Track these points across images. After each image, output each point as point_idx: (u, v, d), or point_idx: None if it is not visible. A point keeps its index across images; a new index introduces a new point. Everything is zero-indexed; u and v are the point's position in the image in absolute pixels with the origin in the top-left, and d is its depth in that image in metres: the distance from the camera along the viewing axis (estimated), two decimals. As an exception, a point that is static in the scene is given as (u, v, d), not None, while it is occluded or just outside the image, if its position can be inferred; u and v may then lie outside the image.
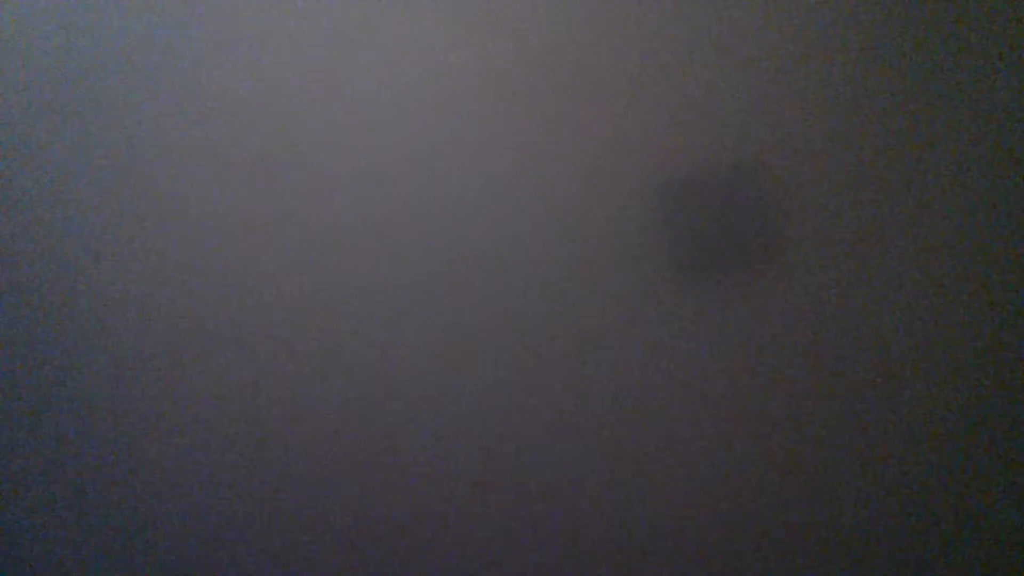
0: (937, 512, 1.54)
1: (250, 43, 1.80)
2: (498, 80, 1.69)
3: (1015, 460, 1.51)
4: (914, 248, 1.55)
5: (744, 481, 1.61)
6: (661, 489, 1.65)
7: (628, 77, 1.64)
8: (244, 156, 1.80)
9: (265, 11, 1.79)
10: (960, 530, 1.54)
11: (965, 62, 1.52)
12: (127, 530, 1.86)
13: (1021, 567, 1.51)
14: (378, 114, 1.74)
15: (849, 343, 1.57)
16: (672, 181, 1.61)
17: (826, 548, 1.59)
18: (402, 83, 1.73)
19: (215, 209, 1.82)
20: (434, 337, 1.73)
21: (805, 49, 1.58)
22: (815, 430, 1.59)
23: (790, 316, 1.59)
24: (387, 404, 1.75)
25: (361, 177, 1.75)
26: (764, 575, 1.61)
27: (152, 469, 1.85)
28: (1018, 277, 1.51)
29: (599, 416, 1.67)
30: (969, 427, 1.53)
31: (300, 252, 1.78)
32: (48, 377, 1.90)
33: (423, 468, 1.74)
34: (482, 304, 1.71)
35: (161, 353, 1.84)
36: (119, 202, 1.86)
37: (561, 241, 1.67)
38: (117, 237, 1.86)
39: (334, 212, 1.76)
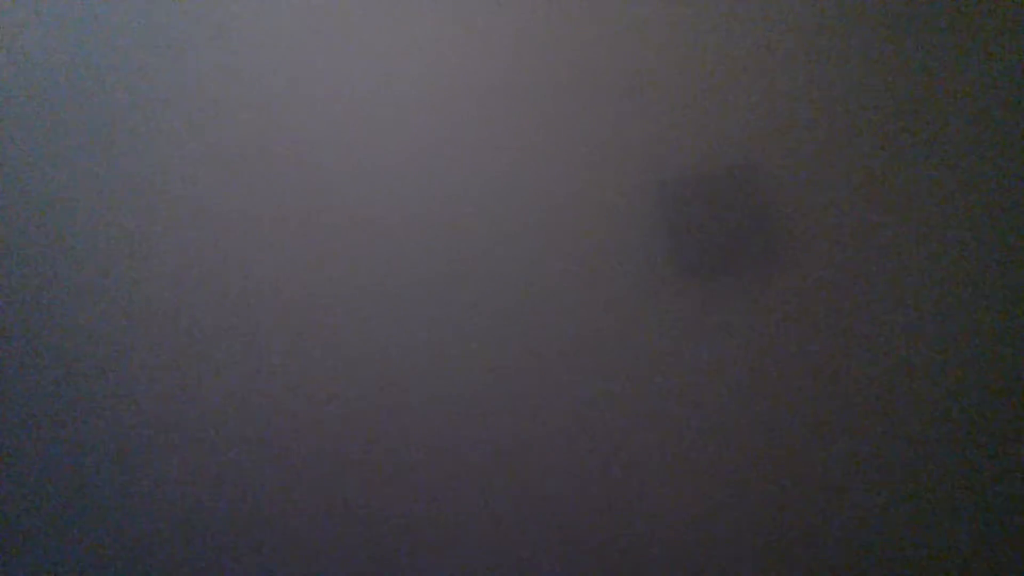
0: (937, 512, 1.54)
1: (251, 43, 1.80)
2: (498, 80, 1.69)
3: (1015, 460, 1.51)
4: (914, 248, 1.55)
5: (745, 481, 1.61)
6: (662, 489, 1.65)
7: (628, 77, 1.64)
8: (244, 156, 1.80)
9: (265, 11, 1.79)
10: (960, 530, 1.54)
11: (965, 62, 1.52)
12: (127, 530, 1.86)
13: (1021, 567, 1.51)
14: (378, 114, 1.74)
15: (849, 343, 1.57)
16: (672, 181, 1.61)
17: (826, 548, 1.59)
18: (402, 83, 1.73)
19: (215, 208, 1.82)
20: (434, 337, 1.73)
21: (805, 49, 1.58)
22: (815, 430, 1.59)
23: (790, 316, 1.59)
24: (387, 403, 1.75)
25: (361, 177, 1.76)
26: (765, 575, 1.61)
27: (152, 469, 1.85)
28: (1018, 277, 1.51)
29: (599, 416, 1.67)
30: (970, 427, 1.53)
31: (301, 252, 1.78)
32: (48, 377, 1.90)
33: (423, 468, 1.74)
34: (482, 304, 1.71)
35: (161, 352, 1.84)
36: (119, 202, 1.86)
37: (561, 241, 1.67)
38: (117, 237, 1.86)
39: (335, 212, 1.77)
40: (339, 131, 1.76)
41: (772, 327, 1.59)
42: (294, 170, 1.78)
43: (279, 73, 1.78)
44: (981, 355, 1.53)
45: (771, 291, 1.59)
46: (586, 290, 1.66)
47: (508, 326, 1.70)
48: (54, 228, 1.90)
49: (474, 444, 1.72)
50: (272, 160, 1.79)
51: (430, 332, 1.73)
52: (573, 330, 1.67)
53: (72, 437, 1.89)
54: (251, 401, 1.80)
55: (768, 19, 1.59)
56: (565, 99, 1.67)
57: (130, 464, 1.87)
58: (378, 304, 1.75)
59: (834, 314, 1.57)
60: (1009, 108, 1.50)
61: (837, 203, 1.57)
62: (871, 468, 1.57)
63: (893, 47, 1.55)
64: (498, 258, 1.70)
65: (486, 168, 1.70)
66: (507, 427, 1.70)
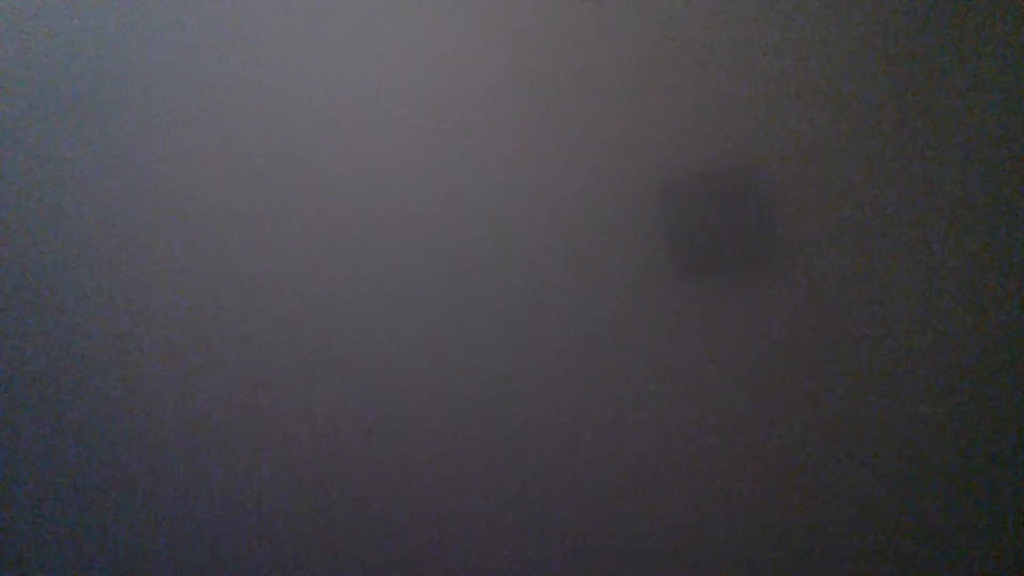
0: (938, 512, 1.54)
1: (251, 43, 1.80)
2: (498, 80, 1.69)
3: (1015, 460, 1.51)
4: (915, 248, 1.55)
5: (745, 481, 1.61)
6: (661, 489, 1.65)
7: (629, 77, 1.64)
8: (245, 156, 1.80)
9: (266, 11, 1.79)
10: (960, 530, 1.54)
11: (966, 62, 1.52)
12: (127, 530, 1.86)
13: (1022, 567, 1.51)
14: (378, 114, 1.74)
15: (850, 343, 1.57)
16: (672, 181, 1.61)
17: (826, 548, 1.59)
18: (402, 83, 1.73)
19: (215, 208, 1.82)
20: (433, 336, 1.73)
21: (805, 49, 1.58)
22: (816, 430, 1.59)
23: (790, 316, 1.59)
24: (387, 404, 1.75)
25: (362, 177, 1.76)
26: (765, 575, 1.61)
27: (152, 469, 1.85)
28: (1018, 277, 1.51)
29: (600, 416, 1.67)
30: (970, 427, 1.53)
31: (301, 251, 1.78)
32: (48, 376, 1.90)
33: (423, 468, 1.74)
34: (481, 303, 1.71)
35: (161, 352, 1.84)
36: (118, 202, 1.86)
37: (561, 241, 1.67)
38: (117, 237, 1.86)
39: (335, 212, 1.76)
40: (339, 131, 1.76)
41: (772, 327, 1.59)
42: (294, 170, 1.78)
43: (279, 73, 1.78)
44: (982, 355, 1.53)
45: (771, 291, 1.59)
46: (586, 290, 1.66)
47: (507, 326, 1.70)
48: (54, 228, 1.90)
49: (473, 444, 1.72)
50: (272, 160, 1.79)
51: (430, 332, 1.73)
52: (573, 330, 1.67)
53: (72, 437, 1.89)
54: (251, 401, 1.80)
55: (768, 19, 1.59)
56: (565, 99, 1.67)
57: (130, 464, 1.87)
58: (378, 304, 1.75)
59: (834, 314, 1.57)
60: (1010, 108, 1.50)
61: (837, 203, 1.57)
62: (872, 468, 1.57)
63: (894, 47, 1.55)
64: (497, 258, 1.70)
65: (486, 168, 1.70)
66: (506, 427, 1.70)
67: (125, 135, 1.86)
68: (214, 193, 1.82)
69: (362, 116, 1.75)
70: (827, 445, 1.58)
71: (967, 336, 1.53)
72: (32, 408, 1.91)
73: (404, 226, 1.74)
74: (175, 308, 1.84)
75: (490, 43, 1.69)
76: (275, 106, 1.79)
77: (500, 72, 1.69)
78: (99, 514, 1.88)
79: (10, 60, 1.91)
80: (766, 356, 1.60)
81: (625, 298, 1.65)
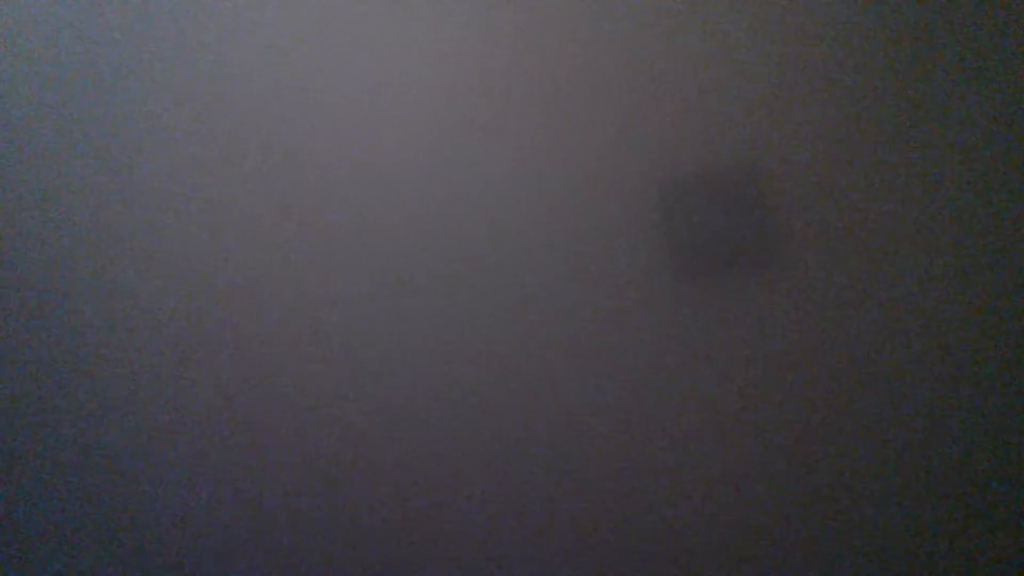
0: (938, 512, 1.54)
1: (251, 43, 1.80)
2: (498, 80, 1.69)
3: (1016, 460, 1.51)
4: (916, 248, 1.55)
5: (746, 482, 1.61)
6: (662, 490, 1.65)
7: (629, 77, 1.64)
8: (245, 156, 1.80)
9: (266, 11, 1.78)
10: (960, 530, 1.54)
11: (966, 62, 1.52)
12: (126, 530, 1.86)
13: (1021, 567, 1.51)
14: (378, 114, 1.74)
15: (850, 343, 1.57)
16: (672, 181, 1.61)
17: (826, 548, 1.59)
18: (402, 83, 1.73)
19: (214, 208, 1.82)
20: (433, 337, 1.73)
21: (805, 49, 1.58)
22: (816, 430, 1.59)
23: (791, 316, 1.59)
24: (386, 405, 1.75)
25: (361, 177, 1.75)
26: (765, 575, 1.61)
27: (152, 469, 1.85)
28: (1019, 277, 1.51)
29: (600, 416, 1.67)
30: (971, 427, 1.53)
31: (301, 251, 1.78)
32: (48, 377, 1.90)
33: (423, 469, 1.74)
34: (481, 303, 1.71)
35: (161, 352, 1.84)
36: (118, 201, 1.86)
37: (561, 241, 1.67)
38: (117, 236, 1.86)
39: (335, 211, 1.76)
40: (338, 131, 1.76)
41: (772, 327, 1.59)
42: (294, 169, 1.78)
43: (280, 72, 1.78)
44: (983, 355, 1.53)
45: (771, 291, 1.59)
46: (585, 289, 1.66)
47: (507, 326, 1.70)
48: (54, 228, 1.90)
49: (473, 445, 1.72)
50: (272, 160, 1.79)
51: (429, 332, 1.73)
52: (572, 330, 1.67)
53: (72, 437, 1.89)
54: (251, 401, 1.80)
55: (769, 19, 1.59)
56: (565, 99, 1.67)
57: (130, 464, 1.86)
58: (377, 304, 1.75)
59: (835, 314, 1.57)
60: (1010, 108, 1.50)
61: (838, 203, 1.57)
62: (872, 468, 1.57)
63: (894, 47, 1.55)
64: (497, 258, 1.70)
65: (485, 167, 1.70)
66: (506, 428, 1.70)
67: (125, 135, 1.85)
68: (213, 192, 1.82)
69: (362, 115, 1.75)
70: (828, 445, 1.58)
71: (968, 336, 1.53)
72: (32, 408, 1.91)
73: (403, 226, 1.74)
74: (174, 307, 1.84)
75: (490, 43, 1.69)
76: (275, 106, 1.78)
77: (500, 72, 1.69)
78: (99, 514, 1.88)
79: (10, 60, 1.91)
80: (767, 356, 1.60)
81: (625, 297, 1.65)
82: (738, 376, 1.61)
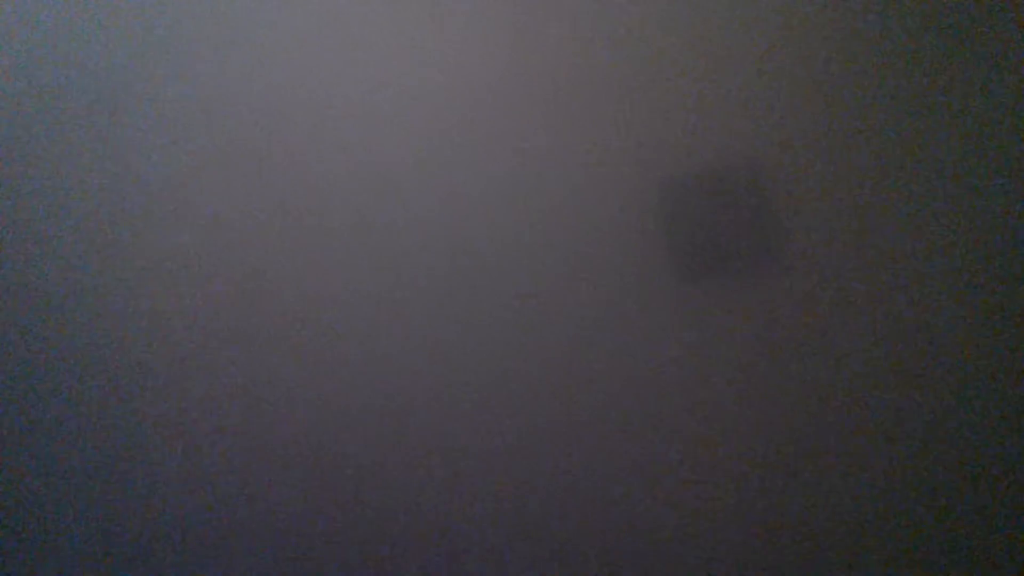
0: (938, 512, 1.54)
1: (251, 43, 1.79)
2: (497, 80, 1.69)
3: (1016, 460, 1.51)
4: (916, 248, 1.55)
5: (745, 482, 1.61)
6: (661, 491, 1.65)
7: (628, 77, 1.64)
8: (245, 156, 1.80)
9: (266, 11, 1.79)
10: (960, 530, 1.54)
11: (965, 62, 1.52)
12: (126, 531, 1.86)
13: (1021, 567, 1.51)
14: (377, 115, 1.74)
15: (850, 343, 1.57)
16: (672, 181, 1.61)
17: (826, 548, 1.59)
18: (401, 83, 1.73)
19: (214, 208, 1.82)
20: (432, 337, 1.73)
21: (806, 49, 1.58)
22: (816, 430, 1.58)
23: (791, 316, 1.59)
24: (386, 405, 1.75)
25: (361, 177, 1.75)
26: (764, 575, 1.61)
27: (152, 469, 1.85)
28: (1018, 277, 1.51)
29: (599, 417, 1.67)
30: (971, 427, 1.53)
31: (300, 251, 1.78)
32: (47, 377, 1.90)
33: (423, 469, 1.74)
34: (480, 304, 1.71)
35: (161, 352, 1.84)
36: (118, 201, 1.86)
37: (561, 241, 1.67)
38: (116, 236, 1.86)
39: (336, 211, 1.76)
40: (339, 131, 1.76)
41: (773, 326, 1.59)
42: (295, 170, 1.78)
43: (280, 72, 1.78)
44: (983, 355, 1.53)
45: (772, 291, 1.59)
46: (585, 290, 1.66)
47: (507, 326, 1.70)
48: (54, 228, 1.90)
49: (472, 446, 1.72)
50: (273, 160, 1.79)
51: (428, 332, 1.73)
52: (572, 330, 1.67)
53: (71, 438, 1.89)
54: (252, 402, 1.80)
55: (769, 19, 1.59)
56: (565, 99, 1.67)
57: (129, 465, 1.86)
58: (376, 304, 1.75)
59: (835, 314, 1.57)
60: (1010, 108, 1.50)
61: (838, 203, 1.57)
62: (873, 469, 1.57)
63: (894, 47, 1.55)
64: (497, 258, 1.70)
65: (485, 167, 1.70)
66: (506, 427, 1.70)
67: (124, 134, 1.85)
68: (213, 192, 1.82)
69: (362, 115, 1.75)
70: (828, 445, 1.58)
71: (969, 335, 1.53)
72: (31, 408, 1.91)
73: (403, 226, 1.74)
74: (175, 307, 1.84)
75: (490, 43, 1.69)
76: (275, 106, 1.78)
77: (500, 72, 1.69)
78: (98, 513, 1.88)
79: (10, 60, 1.91)
80: (766, 355, 1.60)
81: (625, 297, 1.65)
82: (738, 376, 1.61)
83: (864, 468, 1.57)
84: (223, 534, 1.82)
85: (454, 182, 1.71)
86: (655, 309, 1.64)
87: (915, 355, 1.55)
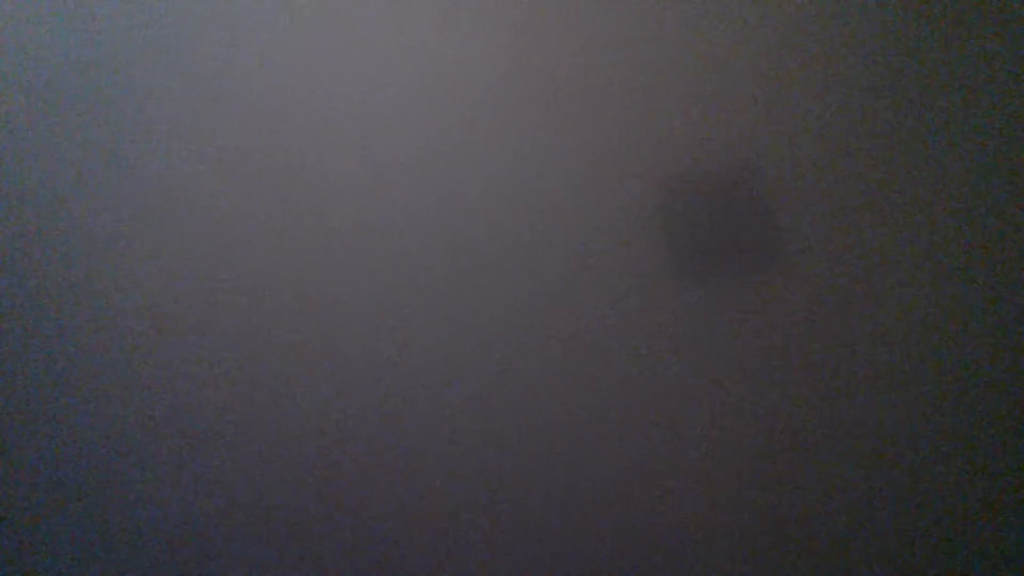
0: (938, 513, 1.54)
1: (251, 43, 1.79)
2: (498, 80, 1.69)
3: (1016, 460, 1.51)
4: (916, 248, 1.55)
5: (745, 482, 1.61)
6: (662, 490, 1.64)
7: (628, 77, 1.64)
8: (244, 156, 1.80)
9: (266, 11, 1.79)
10: (961, 530, 1.54)
11: (965, 62, 1.52)
12: (126, 532, 1.86)
13: (1021, 567, 1.51)
14: (376, 114, 1.74)
15: (850, 343, 1.57)
16: (673, 181, 1.61)
17: (827, 548, 1.58)
18: (401, 82, 1.73)
19: (214, 208, 1.82)
20: (431, 337, 1.73)
21: (805, 49, 1.58)
22: (817, 430, 1.58)
23: (791, 316, 1.59)
24: (386, 405, 1.75)
25: (361, 177, 1.75)
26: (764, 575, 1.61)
27: (152, 470, 1.85)
28: (1019, 277, 1.51)
29: (599, 416, 1.66)
30: (971, 427, 1.53)
31: (300, 251, 1.78)
32: (47, 377, 1.89)
33: (422, 469, 1.74)
34: (481, 304, 1.71)
35: (161, 352, 1.84)
36: (118, 201, 1.86)
37: (561, 241, 1.67)
38: (117, 236, 1.86)
39: (336, 211, 1.76)
40: (338, 130, 1.76)
41: (773, 326, 1.59)
42: (294, 170, 1.78)
43: (280, 72, 1.78)
44: (983, 355, 1.53)
45: (772, 291, 1.59)
46: (585, 290, 1.66)
47: (506, 326, 1.70)
48: (54, 228, 1.90)
49: (472, 446, 1.72)
50: (273, 159, 1.79)
51: (427, 332, 1.73)
52: (572, 330, 1.67)
53: (71, 438, 1.89)
54: (251, 401, 1.80)
55: (769, 19, 1.59)
56: (565, 99, 1.67)
57: (130, 464, 1.86)
58: (376, 304, 1.75)
59: (835, 314, 1.57)
60: (1010, 108, 1.50)
61: (838, 203, 1.57)
62: (873, 469, 1.57)
63: (894, 46, 1.55)
64: (497, 258, 1.70)
65: (485, 167, 1.70)
66: (505, 428, 1.70)
67: (123, 134, 1.85)
68: (213, 192, 1.82)
69: (362, 115, 1.75)
70: (829, 445, 1.58)
71: (969, 335, 1.53)
72: (31, 408, 1.91)
73: (402, 225, 1.74)
74: (175, 307, 1.84)
75: (490, 43, 1.69)
76: (275, 106, 1.78)
77: (500, 72, 1.69)
78: (98, 513, 1.88)
79: (10, 60, 1.91)
80: (766, 356, 1.60)
81: (625, 297, 1.65)
82: (738, 376, 1.61)
83: (865, 468, 1.57)
84: (223, 534, 1.82)
85: (454, 182, 1.71)
86: (655, 309, 1.64)
87: (915, 354, 1.55)
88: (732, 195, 1.58)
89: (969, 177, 1.52)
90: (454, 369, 1.72)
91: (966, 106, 1.52)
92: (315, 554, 1.79)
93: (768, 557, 1.61)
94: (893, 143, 1.55)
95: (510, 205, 1.69)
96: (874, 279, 1.56)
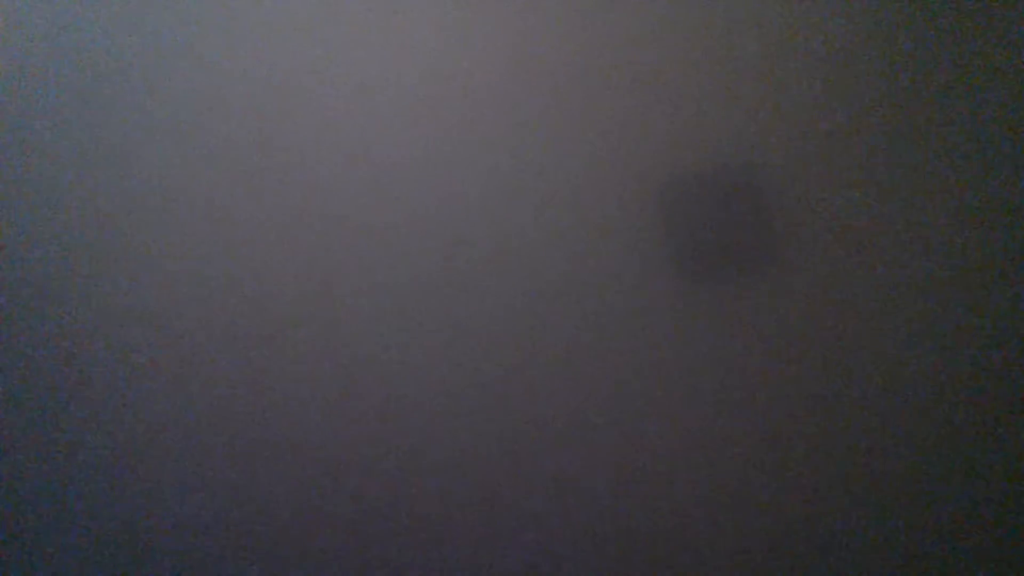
0: (938, 512, 1.54)
1: (250, 42, 1.79)
2: (498, 80, 1.69)
3: (1015, 460, 1.51)
4: (916, 248, 1.55)
5: (746, 483, 1.61)
6: (662, 491, 1.64)
7: (628, 77, 1.64)
8: (244, 155, 1.80)
9: (265, 11, 1.78)
10: (961, 531, 1.54)
11: (965, 62, 1.52)
12: (127, 532, 1.86)
13: (1021, 567, 1.51)
14: (376, 114, 1.74)
15: (851, 343, 1.57)
16: (672, 181, 1.61)
17: (827, 548, 1.58)
18: (401, 82, 1.73)
19: (213, 208, 1.82)
20: (431, 338, 1.73)
21: (805, 49, 1.58)
22: (817, 430, 1.58)
23: (791, 316, 1.59)
24: (387, 404, 1.75)
25: (359, 176, 1.75)
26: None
27: (152, 470, 1.85)
28: (1018, 277, 1.51)
29: (599, 417, 1.66)
30: (971, 428, 1.53)
31: (300, 252, 1.78)
32: (47, 377, 1.89)
33: (422, 469, 1.74)
34: (481, 304, 1.71)
35: (160, 352, 1.84)
36: (118, 201, 1.86)
37: (561, 241, 1.67)
38: (117, 236, 1.86)
39: (334, 211, 1.76)
40: (338, 130, 1.76)
41: (773, 327, 1.59)
42: (295, 169, 1.78)
43: (279, 72, 1.78)
44: (983, 355, 1.53)
45: (771, 291, 1.59)
46: (585, 290, 1.66)
47: (506, 326, 1.70)
48: (54, 228, 1.90)
49: (472, 445, 1.72)
50: (273, 159, 1.79)
51: (428, 332, 1.73)
52: (572, 330, 1.67)
53: (71, 438, 1.89)
54: (251, 401, 1.80)
55: (769, 19, 1.59)
56: (565, 99, 1.67)
57: (129, 466, 1.86)
58: (376, 304, 1.75)
59: (835, 314, 1.57)
60: (1010, 108, 1.50)
61: (838, 203, 1.57)
62: (873, 469, 1.57)
63: (893, 47, 1.55)
64: (496, 258, 1.70)
65: (485, 167, 1.70)
66: (505, 428, 1.70)
67: (123, 134, 1.85)
68: (213, 192, 1.81)
69: (361, 115, 1.75)
70: (829, 445, 1.58)
71: (969, 335, 1.53)
72: (30, 409, 1.91)
73: (402, 225, 1.74)
74: (174, 307, 1.83)
75: (490, 43, 1.69)
76: (274, 105, 1.78)
77: (500, 72, 1.69)
78: (99, 514, 1.88)
79: (10, 60, 1.91)
80: (767, 356, 1.60)
81: (625, 297, 1.65)
82: (738, 376, 1.61)
83: (865, 468, 1.57)
84: (223, 534, 1.82)
85: (454, 182, 1.71)
86: (655, 309, 1.64)
87: (915, 354, 1.55)
88: (732, 195, 1.58)
89: (969, 177, 1.52)
90: (454, 369, 1.72)
91: (966, 106, 1.52)
92: (316, 554, 1.79)
93: (768, 557, 1.61)
94: (893, 143, 1.55)
95: (510, 205, 1.69)
96: (873, 279, 1.56)
